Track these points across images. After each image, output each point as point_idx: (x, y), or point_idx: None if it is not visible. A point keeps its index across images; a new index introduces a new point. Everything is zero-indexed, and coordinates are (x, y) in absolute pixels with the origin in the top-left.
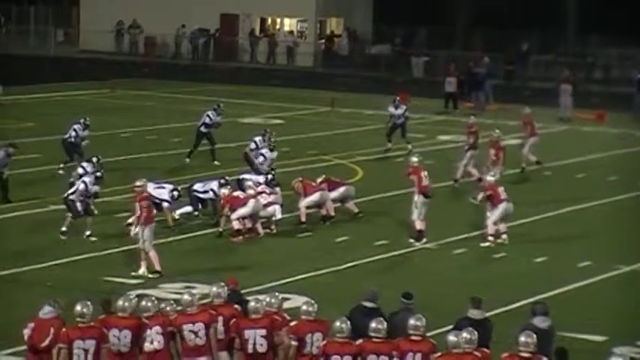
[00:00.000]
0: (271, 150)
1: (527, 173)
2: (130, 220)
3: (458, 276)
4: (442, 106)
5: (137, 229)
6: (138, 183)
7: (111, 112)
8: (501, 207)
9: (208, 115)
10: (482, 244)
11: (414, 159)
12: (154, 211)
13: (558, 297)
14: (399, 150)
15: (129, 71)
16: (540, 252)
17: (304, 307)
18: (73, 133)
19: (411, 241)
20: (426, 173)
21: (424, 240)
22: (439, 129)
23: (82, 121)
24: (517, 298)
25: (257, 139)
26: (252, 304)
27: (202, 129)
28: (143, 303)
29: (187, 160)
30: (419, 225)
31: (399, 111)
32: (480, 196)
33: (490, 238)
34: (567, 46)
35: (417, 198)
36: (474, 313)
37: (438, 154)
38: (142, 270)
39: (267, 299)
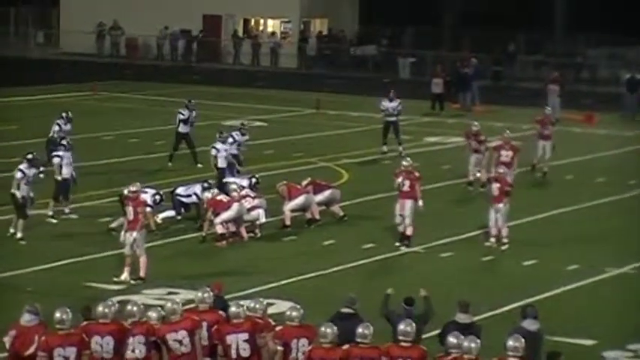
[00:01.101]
0: (242, 134)
1: (517, 175)
2: (112, 225)
3: (445, 280)
4: (429, 108)
5: (129, 234)
6: (132, 188)
7: (92, 114)
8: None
9: (181, 113)
10: (486, 243)
11: (405, 163)
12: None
13: (547, 300)
14: (389, 152)
15: (110, 73)
16: (529, 255)
17: (289, 313)
18: (56, 128)
19: (402, 248)
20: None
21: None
22: (426, 130)
23: (64, 115)
24: (505, 301)
25: (234, 133)
26: (232, 309)
27: (180, 129)
28: (129, 308)
29: (170, 164)
30: (410, 231)
31: (393, 104)
32: (496, 187)
33: (492, 239)
34: (555, 46)
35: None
36: (462, 317)
37: (425, 156)
38: (125, 275)
39: (252, 304)
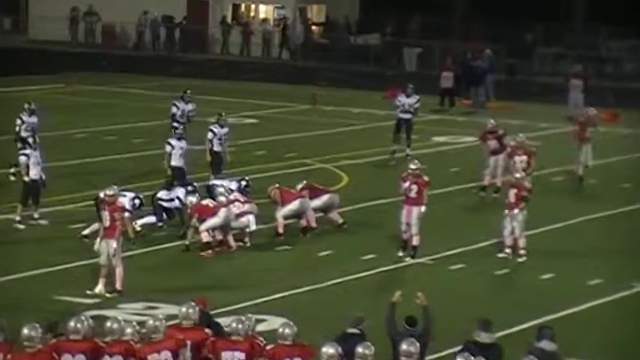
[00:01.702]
0: (221, 126)
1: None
2: (85, 232)
3: (455, 295)
4: (437, 104)
5: (104, 243)
6: (109, 191)
7: (64, 109)
8: (523, 213)
9: (175, 105)
10: (500, 255)
11: (413, 166)
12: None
13: (567, 318)
14: (390, 153)
15: (85, 64)
16: (547, 268)
17: (282, 330)
18: (19, 122)
19: (400, 254)
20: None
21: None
22: (434, 129)
23: (25, 106)
24: (521, 319)
25: (212, 127)
26: (233, 324)
27: (175, 124)
28: (108, 324)
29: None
30: (416, 240)
31: (411, 100)
32: (513, 194)
33: (507, 250)
34: (576, 38)
35: (422, 210)
36: (482, 337)
37: (432, 158)
38: (99, 288)
39: (227, 322)
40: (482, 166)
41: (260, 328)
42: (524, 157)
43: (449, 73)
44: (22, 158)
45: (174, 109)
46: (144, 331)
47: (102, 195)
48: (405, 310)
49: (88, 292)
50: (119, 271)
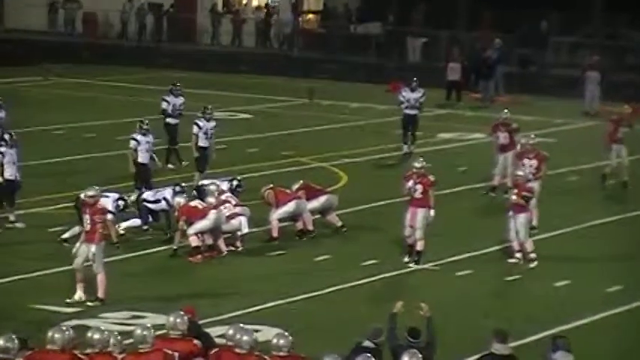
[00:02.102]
0: (207, 120)
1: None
2: (65, 235)
3: (462, 304)
4: (444, 98)
5: (84, 247)
6: (90, 192)
7: (42, 104)
8: (526, 216)
9: (165, 100)
10: (510, 260)
11: (418, 164)
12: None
13: (583, 328)
14: (394, 150)
15: (64, 55)
16: (561, 274)
17: (276, 341)
18: None
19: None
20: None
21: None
22: (440, 125)
23: None
24: (534, 329)
25: (197, 120)
26: (245, 338)
27: (169, 120)
28: (89, 335)
29: (183, 162)
30: (421, 245)
31: (416, 94)
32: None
33: (518, 254)
34: (594, 26)
35: (429, 213)
36: (498, 348)
37: (438, 156)
38: (78, 294)
39: (230, 332)
40: (492, 165)
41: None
42: (535, 162)
43: (456, 65)
44: None
45: (164, 105)
46: (129, 341)
47: (82, 196)
48: (408, 321)
49: (68, 300)
50: (100, 278)
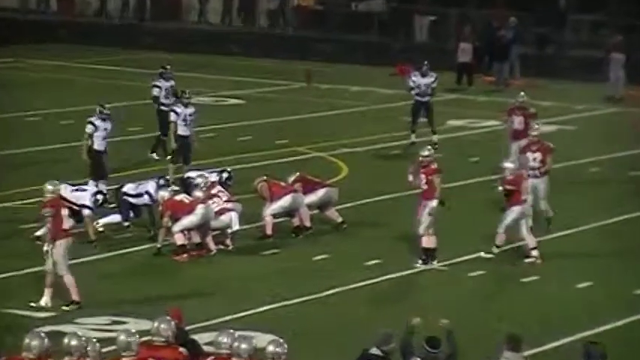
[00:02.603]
0: (185, 105)
1: (567, 170)
2: (38, 233)
3: (474, 307)
4: (454, 82)
5: (46, 246)
6: (48, 186)
7: (14, 88)
8: (517, 210)
9: (156, 86)
10: (526, 260)
11: (426, 152)
12: (70, 222)
13: (606, 334)
14: (398, 139)
15: (38, 34)
16: (583, 275)
17: (271, 348)
18: None
19: (418, 264)
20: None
21: (435, 262)
22: (450, 111)
23: None
24: (551, 336)
25: (174, 107)
26: (243, 346)
27: (162, 107)
28: (66, 341)
29: (169, 156)
30: (427, 242)
31: (427, 79)
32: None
33: (534, 252)
34: (618, 3)
35: (431, 205)
36: (509, 357)
37: (448, 145)
38: (45, 299)
39: (219, 338)
40: (507, 155)
41: (243, 346)
42: (538, 155)
43: (467, 45)
44: None
45: (155, 91)
46: (110, 348)
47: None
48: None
49: (32, 304)
50: (68, 281)
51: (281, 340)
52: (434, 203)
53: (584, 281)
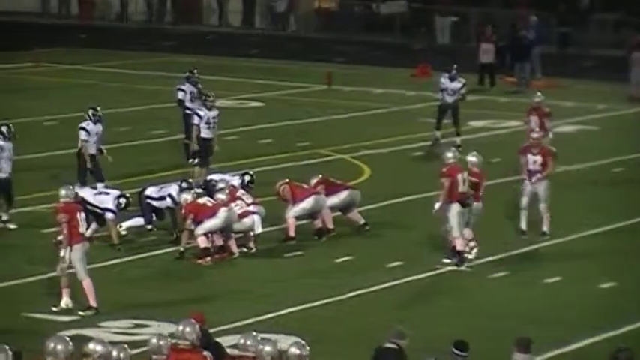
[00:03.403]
0: (209, 108)
1: (590, 171)
2: (60, 237)
3: (497, 308)
4: (476, 83)
5: (63, 251)
6: (62, 191)
7: (33, 92)
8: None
9: (181, 90)
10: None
11: (450, 154)
12: (93, 226)
13: (629, 335)
14: (420, 140)
15: (58, 38)
16: (606, 275)
17: (293, 350)
18: None
19: (446, 260)
20: (464, 175)
21: (465, 264)
22: (472, 112)
23: None
24: (575, 337)
25: (198, 110)
26: (267, 348)
27: (187, 111)
28: (91, 347)
29: (191, 160)
30: (460, 244)
31: (455, 84)
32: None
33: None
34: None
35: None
36: (519, 359)
37: (470, 146)
38: (65, 300)
39: (242, 341)
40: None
41: (268, 348)
42: (539, 158)
43: (489, 46)
44: None
45: (180, 95)
46: (135, 351)
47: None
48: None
49: (54, 308)
50: (86, 285)
51: (303, 342)
52: (457, 205)
53: (608, 282)
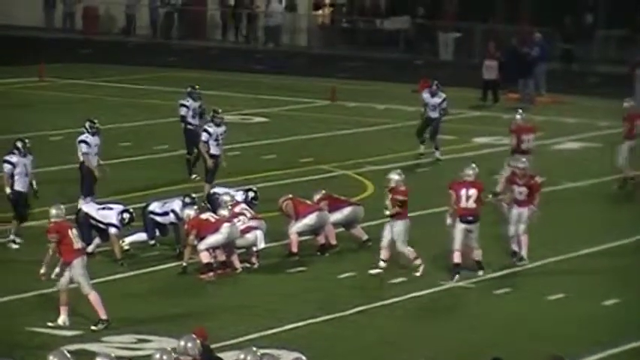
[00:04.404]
0: (217, 125)
1: (592, 187)
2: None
3: (500, 325)
4: (479, 99)
5: (57, 268)
6: (53, 211)
7: (38, 107)
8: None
9: (184, 106)
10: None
11: (469, 171)
12: (97, 241)
13: (634, 353)
14: (424, 157)
15: (63, 53)
16: (610, 292)
17: None
18: None
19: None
20: (470, 192)
21: (481, 272)
22: (475, 129)
23: None
24: (577, 353)
25: (207, 126)
26: None
27: (189, 126)
28: None
29: (194, 176)
30: (455, 257)
31: (436, 99)
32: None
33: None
34: None
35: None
36: None
37: (473, 162)
38: (62, 318)
39: (242, 356)
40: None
41: None
42: (524, 189)
43: (492, 62)
44: (7, 167)
45: (183, 110)
46: None
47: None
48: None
49: (50, 323)
50: (93, 298)
51: (304, 358)
52: (460, 224)
53: (612, 298)
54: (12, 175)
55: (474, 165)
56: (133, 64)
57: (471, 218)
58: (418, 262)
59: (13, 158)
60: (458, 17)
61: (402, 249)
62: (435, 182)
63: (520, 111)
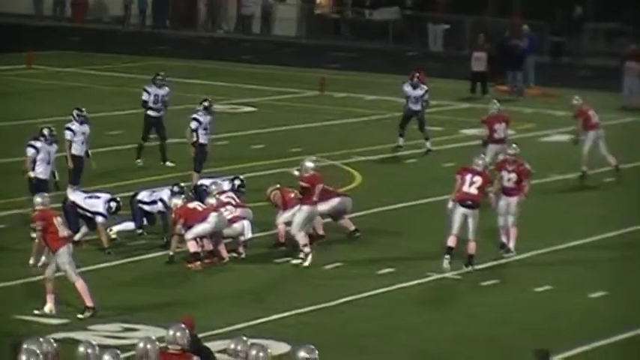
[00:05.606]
0: (207, 112)
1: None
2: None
3: (487, 317)
4: (468, 91)
5: (43, 257)
6: (37, 199)
7: (26, 95)
8: (306, 209)
9: (146, 91)
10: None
11: (479, 161)
12: (83, 229)
13: (620, 345)
14: (413, 148)
15: (52, 41)
16: (598, 284)
17: (302, 354)
18: None
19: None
20: (474, 179)
21: (469, 268)
22: (463, 120)
23: None
24: (564, 346)
25: (197, 115)
26: (261, 354)
27: (149, 112)
28: (81, 350)
29: (138, 161)
30: (450, 241)
31: (418, 92)
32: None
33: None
34: (635, 11)
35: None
36: None
37: (461, 154)
38: (49, 306)
39: (232, 346)
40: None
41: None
42: (514, 176)
43: (481, 54)
44: (31, 151)
45: (144, 96)
46: (123, 355)
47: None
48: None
49: (36, 311)
50: (79, 286)
51: (312, 347)
52: (459, 207)
53: (598, 291)
54: (34, 161)
55: (483, 155)
56: (121, 52)
57: (470, 203)
58: (307, 250)
59: (38, 143)
60: (447, 9)
61: (294, 232)
62: (422, 174)
63: (495, 101)
